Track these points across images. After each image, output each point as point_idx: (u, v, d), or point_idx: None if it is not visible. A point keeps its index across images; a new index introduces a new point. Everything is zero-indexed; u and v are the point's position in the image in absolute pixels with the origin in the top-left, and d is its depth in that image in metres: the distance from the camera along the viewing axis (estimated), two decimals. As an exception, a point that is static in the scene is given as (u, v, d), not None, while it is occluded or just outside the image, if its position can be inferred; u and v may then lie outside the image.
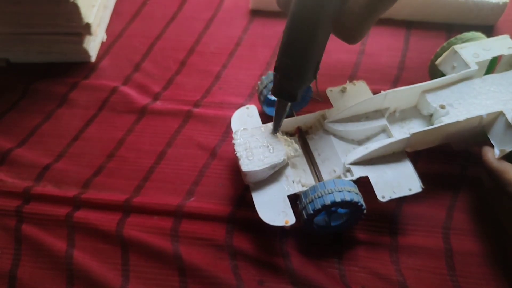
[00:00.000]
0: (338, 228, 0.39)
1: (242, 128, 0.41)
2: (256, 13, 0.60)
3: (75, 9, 0.49)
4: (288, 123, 0.43)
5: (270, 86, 0.44)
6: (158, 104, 0.50)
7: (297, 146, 0.41)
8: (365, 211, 0.37)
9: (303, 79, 0.36)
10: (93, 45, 0.55)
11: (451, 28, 0.57)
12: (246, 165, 0.38)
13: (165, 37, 0.58)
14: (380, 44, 0.56)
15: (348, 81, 0.45)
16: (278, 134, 0.41)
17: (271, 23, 0.59)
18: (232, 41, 0.57)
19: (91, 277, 0.38)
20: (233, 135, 0.40)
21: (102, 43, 0.57)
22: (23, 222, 0.42)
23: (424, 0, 0.56)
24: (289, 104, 0.38)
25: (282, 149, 0.39)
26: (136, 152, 0.47)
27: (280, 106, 0.38)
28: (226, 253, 0.39)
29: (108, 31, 0.59)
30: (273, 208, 0.37)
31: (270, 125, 0.41)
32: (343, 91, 0.44)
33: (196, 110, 0.49)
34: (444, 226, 0.41)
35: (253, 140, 0.40)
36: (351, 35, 0.36)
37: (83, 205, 0.43)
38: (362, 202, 0.36)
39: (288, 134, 0.43)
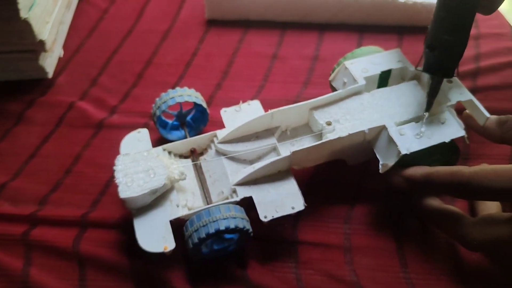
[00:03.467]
0: (227, 252, 0.39)
1: (123, 154, 0.40)
2: (212, 23, 0.61)
3: (27, 26, 0.49)
4: (181, 145, 0.43)
5: (164, 107, 0.44)
6: (115, 118, 0.51)
7: (183, 169, 0.40)
8: (251, 234, 0.37)
9: (462, 55, 0.38)
10: (49, 61, 0.55)
11: (403, 31, 0.59)
12: (124, 192, 0.37)
13: (122, 50, 0.58)
14: (333, 49, 0.57)
15: (241, 101, 0.45)
16: (166, 157, 0.41)
17: (226, 33, 0.60)
18: (188, 51, 0.58)
19: (48, 294, 0.38)
20: (115, 161, 0.39)
21: (59, 59, 0.58)
22: (-21, 243, 0.41)
23: (375, 4, 0.58)
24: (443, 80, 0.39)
25: (164, 173, 0.38)
26: (93, 167, 0.47)
27: (436, 83, 0.39)
28: (182, 264, 0.40)
29: (65, 46, 0.59)
30: (153, 234, 0.37)
31: (155, 149, 0.41)
32: (237, 110, 0.45)
33: (153, 122, 0.49)
34: (395, 225, 0.42)
35: (134, 165, 0.39)
36: (491, 6, 0.38)
37: (40, 223, 0.42)
38: (248, 226, 0.37)
39: (182, 156, 0.44)
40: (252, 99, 0.46)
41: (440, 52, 0.38)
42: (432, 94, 0.40)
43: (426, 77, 0.43)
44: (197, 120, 0.48)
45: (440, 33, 0.37)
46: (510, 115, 0.40)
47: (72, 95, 0.53)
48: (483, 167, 0.35)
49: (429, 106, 0.40)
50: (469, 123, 0.42)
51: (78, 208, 0.43)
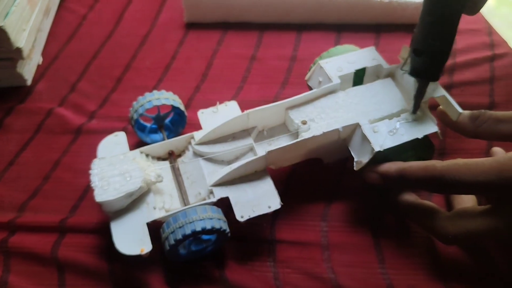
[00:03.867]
0: (205, 252, 0.40)
1: (99, 157, 0.40)
2: (191, 26, 0.61)
3: (3, 34, 0.49)
4: (159, 147, 0.43)
5: (141, 110, 0.44)
6: (94, 123, 0.51)
7: (160, 171, 0.40)
8: (229, 234, 0.38)
9: (447, 58, 0.38)
10: (28, 68, 0.55)
11: (380, 29, 0.59)
12: (100, 195, 0.37)
13: (102, 55, 0.58)
14: (311, 49, 0.57)
15: (218, 103, 0.46)
16: (143, 159, 0.41)
17: (205, 35, 0.60)
18: (167, 55, 0.58)
19: (27, 301, 0.38)
20: (91, 165, 0.39)
21: (38, 65, 0.58)
22: (-43, 252, 0.41)
23: (351, 3, 0.58)
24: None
25: (140, 176, 0.38)
26: (72, 172, 0.47)
27: (422, 86, 0.40)
28: (159, 266, 0.40)
29: (44, 53, 0.59)
30: (130, 237, 0.37)
31: (132, 152, 0.41)
32: (215, 112, 0.45)
33: (131, 126, 0.50)
34: (372, 221, 0.42)
35: (110, 169, 0.39)
36: (475, 7, 0.39)
37: (18, 229, 0.42)
38: (224, 227, 0.37)
39: (160, 159, 0.44)
40: (230, 100, 0.46)
41: (427, 56, 0.38)
42: (419, 97, 0.40)
43: (400, 74, 0.44)
44: (176, 123, 0.48)
45: (427, 38, 0.37)
46: (483, 110, 0.40)
47: (51, 102, 0.53)
48: (456, 161, 0.35)
49: (415, 108, 0.41)
50: (443, 119, 0.42)
51: (57, 214, 0.43)
